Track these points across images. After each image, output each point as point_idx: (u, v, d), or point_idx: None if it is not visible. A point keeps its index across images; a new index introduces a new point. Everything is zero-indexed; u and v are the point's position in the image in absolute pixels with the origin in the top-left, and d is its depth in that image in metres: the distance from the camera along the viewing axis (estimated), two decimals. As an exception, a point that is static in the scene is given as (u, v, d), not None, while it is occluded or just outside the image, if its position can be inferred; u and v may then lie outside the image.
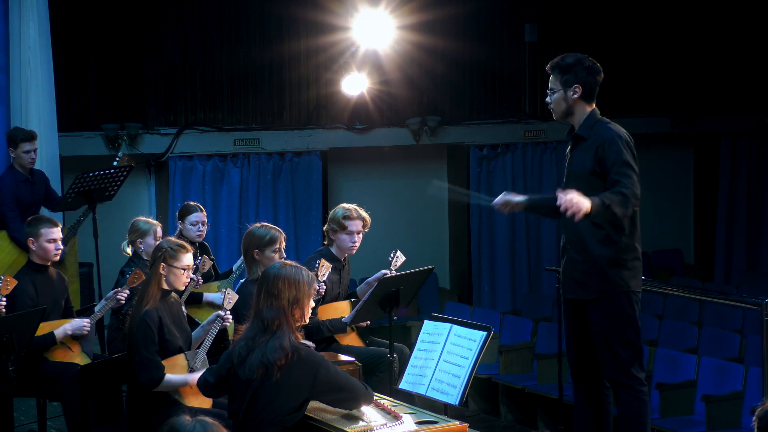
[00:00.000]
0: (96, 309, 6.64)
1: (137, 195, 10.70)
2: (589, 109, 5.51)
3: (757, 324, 7.22)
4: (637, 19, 12.36)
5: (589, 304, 5.48)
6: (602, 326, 5.44)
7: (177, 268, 5.68)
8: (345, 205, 6.88)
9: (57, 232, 6.60)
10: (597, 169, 5.35)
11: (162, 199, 10.75)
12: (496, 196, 11.45)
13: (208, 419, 3.09)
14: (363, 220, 6.82)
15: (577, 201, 5.02)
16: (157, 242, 7.03)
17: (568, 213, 5.02)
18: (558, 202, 5.07)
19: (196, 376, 5.54)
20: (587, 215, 5.08)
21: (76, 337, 6.49)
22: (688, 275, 12.59)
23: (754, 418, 3.14)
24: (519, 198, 5.62)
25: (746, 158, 12.89)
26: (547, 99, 5.60)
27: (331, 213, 6.90)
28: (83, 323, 6.45)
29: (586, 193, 5.26)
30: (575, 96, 5.47)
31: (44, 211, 8.53)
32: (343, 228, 6.76)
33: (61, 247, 6.66)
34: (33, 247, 6.58)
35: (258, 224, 6.59)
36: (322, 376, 4.71)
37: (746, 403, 6.99)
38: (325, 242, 6.94)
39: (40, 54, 8.82)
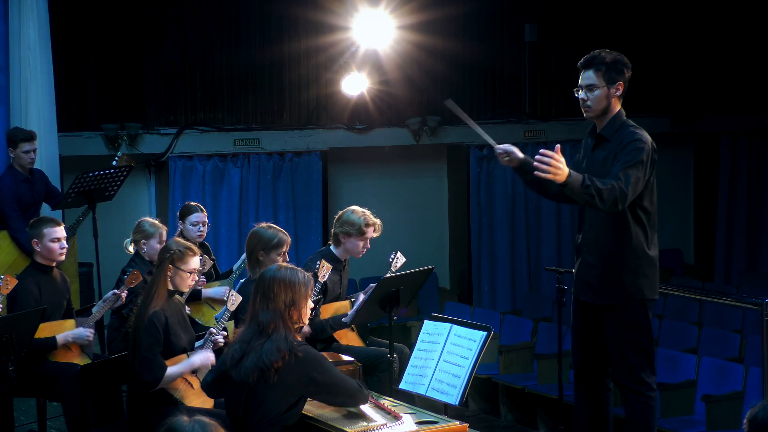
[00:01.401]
0: (94, 310, 6.64)
1: (137, 195, 10.70)
2: (619, 107, 5.41)
3: (757, 324, 7.22)
4: (637, 19, 12.36)
5: (602, 309, 5.45)
6: (614, 332, 5.41)
7: (184, 270, 5.70)
8: (360, 209, 6.86)
9: (60, 231, 6.60)
10: None
11: (162, 199, 10.75)
12: (497, 197, 11.44)
13: (206, 419, 3.09)
14: (378, 228, 6.87)
15: (555, 164, 4.90)
16: (162, 246, 7.05)
17: (541, 173, 4.92)
18: (536, 158, 4.94)
19: (196, 359, 5.55)
20: (561, 185, 4.98)
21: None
22: (688, 275, 12.59)
23: (745, 420, 3.11)
24: (520, 154, 5.43)
25: (746, 158, 12.89)
26: (582, 95, 5.34)
27: (345, 216, 6.85)
28: (86, 333, 6.46)
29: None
30: (617, 94, 5.36)
31: (45, 209, 8.54)
32: (362, 234, 6.77)
33: (66, 246, 6.66)
34: (37, 248, 6.58)
35: (264, 224, 6.53)
36: (318, 376, 4.71)
37: (746, 403, 6.99)
38: (330, 242, 6.93)
39: (40, 54, 8.82)
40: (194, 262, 5.76)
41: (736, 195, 12.88)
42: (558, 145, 5.06)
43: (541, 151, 4.97)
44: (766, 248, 12.91)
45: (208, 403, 5.60)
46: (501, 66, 11.85)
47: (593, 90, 5.34)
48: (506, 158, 5.45)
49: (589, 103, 5.37)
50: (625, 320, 5.38)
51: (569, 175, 4.97)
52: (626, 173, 5.12)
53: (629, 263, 5.33)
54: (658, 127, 12.55)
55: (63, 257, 6.67)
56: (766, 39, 12.65)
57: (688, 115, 12.62)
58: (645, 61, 12.35)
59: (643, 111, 12.37)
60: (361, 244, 6.82)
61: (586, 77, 5.35)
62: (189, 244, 5.92)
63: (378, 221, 6.88)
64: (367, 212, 6.85)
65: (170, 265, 5.66)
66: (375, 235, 6.87)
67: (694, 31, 12.57)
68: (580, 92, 5.38)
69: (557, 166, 4.93)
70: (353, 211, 6.85)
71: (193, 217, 7.50)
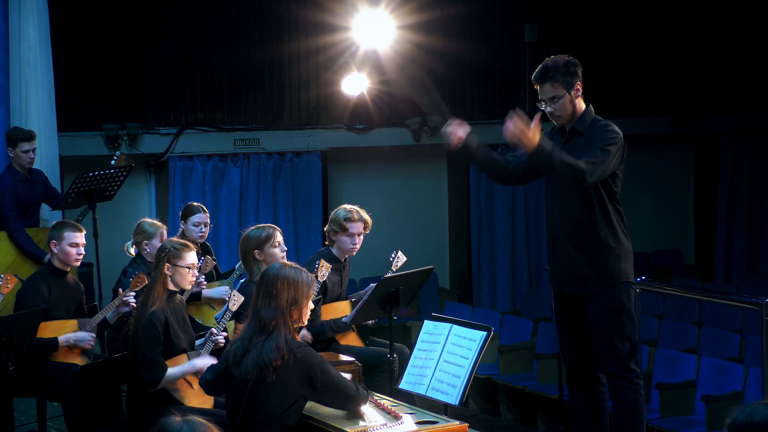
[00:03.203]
0: (107, 316, 6.61)
1: (137, 195, 10.70)
2: (584, 105, 5.50)
3: (757, 324, 7.22)
4: (637, 19, 12.36)
5: (587, 297, 5.49)
6: (601, 318, 5.46)
7: (182, 267, 5.69)
8: (346, 206, 6.87)
9: (80, 238, 6.62)
10: None
11: (162, 200, 10.75)
12: (497, 197, 11.43)
13: (198, 419, 3.08)
14: (364, 222, 6.81)
15: (524, 131, 4.98)
16: (163, 245, 7.04)
17: (513, 139, 5.01)
18: (506, 125, 5.03)
19: (198, 363, 5.55)
20: (530, 152, 5.07)
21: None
22: (688, 275, 12.59)
23: (725, 426, 3.09)
24: (464, 131, 5.64)
25: (746, 158, 12.89)
26: (548, 108, 5.44)
27: (332, 214, 6.90)
28: (88, 337, 6.47)
29: (583, 190, 5.32)
30: (579, 94, 5.45)
31: (45, 209, 8.53)
32: (344, 230, 6.75)
33: (83, 252, 6.67)
34: (55, 250, 6.58)
35: (251, 227, 6.57)
36: (318, 377, 4.72)
37: (746, 404, 6.98)
38: (326, 243, 6.95)
39: (40, 54, 8.82)
40: (191, 257, 5.75)
41: (736, 195, 12.88)
42: (538, 114, 5.14)
43: (511, 120, 5.03)
44: (766, 248, 12.91)
45: (207, 402, 5.60)
46: (501, 66, 11.86)
47: (556, 100, 5.44)
48: (454, 138, 5.68)
49: (557, 113, 5.47)
50: (611, 305, 5.44)
51: (540, 146, 5.05)
52: (595, 154, 5.21)
53: (610, 247, 5.43)
54: (658, 127, 12.56)
55: (77, 263, 6.70)
56: (766, 39, 12.65)
57: (688, 115, 12.62)
58: (645, 61, 12.37)
59: (643, 111, 12.40)
60: (348, 240, 6.78)
61: (545, 91, 5.45)
62: (184, 240, 5.92)
63: (366, 217, 6.84)
64: (356, 209, 6.83)
65: (167, 264, 5.66)
66: (362, 231, 6.82)
67: (694, 31, 12.57)
68: (545, 106, 5.47)
69: (523, 129, 5.00)
70: (340, 209, 6.86)
71: (196, 218, 7.50)
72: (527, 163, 5.53)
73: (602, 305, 5.45)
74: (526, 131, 5.02)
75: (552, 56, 5.53)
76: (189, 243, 5.88)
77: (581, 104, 5.49)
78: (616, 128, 5.41)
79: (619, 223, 5.46)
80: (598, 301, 5.45)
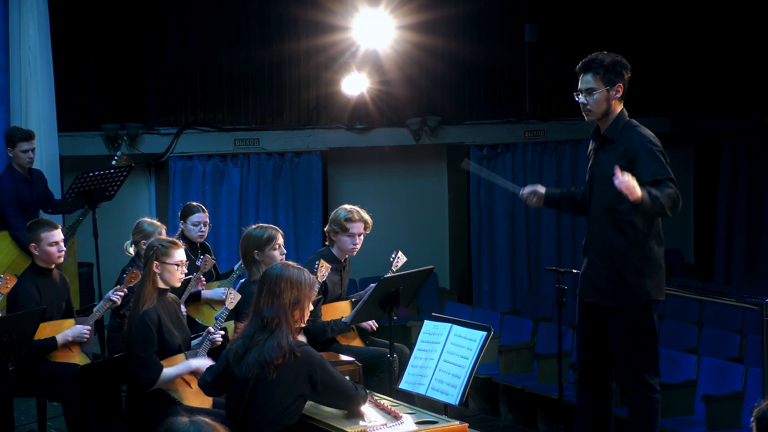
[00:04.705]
0: (95, 309, 6.65)
1: (137, 195, 10.70)
2: (620, 108, 5.44)
3: (757, 324, 7.23)
4: (637, 19, 12.36)
5: (607, 310, 5.45)
6: (619, 333, 5.42)
7: (170, 264, 5.69)
8: (347, 206, 6.87)
9: (57, 235, 6.59)
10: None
11: (162, 199, 10.75)
12: (497, 197, 11.44)
13: (204, 419, 3.09)
14: (365, 222, 6.81)
15: (633, 185, 4.94)
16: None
17: (624, 193, 4.94)
18: (615, 182, 4.96)
19: (194, 363, 5.56)
20: (636, 205, 5.01)
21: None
22: (688, 275, 12.59)
23: (753, 418, 3.10)
24: (543, 190, 5.60)
25: (746, 158, 12.89)
26: (582, 99, 5.39)
27: (332, 214, 6.90)
28: (84, 330, 6.46)
29: (613, 196, 5.21)
30: (617, 96, 5.39)
31: (42, 213, 8.52)
32: (345, 230, 6.75)
33: (64, 249, 6.66)
34: (36, 252, 6.57)
35: (253, 226, 6.58)
36: (318, 377, 4.73)
37: (746, 403, 6.99)
38: (326, 243, 6.95)
39: (40, 54, 8.82)
40: (179, 254, 5.75)
41: (736, 195, 12.88)
42: (617, 166, 5.06)
43: (620, 179, 4.97)
44: (766, 248, 12.91)
45: (206, 402, 5.60)
46: (501, 66, 11.85)
47: (593, 93, 5.38)
48: (534, 199, 5.58)
49: (589, 106, 5.40)
50: (629, 321, 5.38)
51: (642, 195, 5.00)
52: (668, 181, 5.18)
53: (634, 264, 5.34)
54: (658, 127, 12.51)
55: (61, 260, 6.67)
56: (766, 39, 12.65)
57: (688, 115, 12.62)
58: (645, 61, 12.35)
59: (643, 111, 12.37)
60: (349, 240, 6.78)
61: (585, 81, 5.40)
62: (172, 239, 5.93)
63: (367, 218, 6.84)
64: (356, 209, 6.83)
65: (155, 262, 5.66)
66: (363, 231, 6.82)
67: (694, 31, 12.57)
68: (580, 96, 5.42)
69: (633, 187, 4.95)
70: (341, 209, 6.86)
71: (195, 217, 7.50)
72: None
73: (620, 320, 5.40)
74: (635, 187, 4.95)
75: (604, 52, 5.47)
76: (177, 240, 5.88)
77: (617, 107, 5.42)
78: (649, 134, 5.35)
79: (646, 238, 5.33)
80: (618, 316, 5.41)
